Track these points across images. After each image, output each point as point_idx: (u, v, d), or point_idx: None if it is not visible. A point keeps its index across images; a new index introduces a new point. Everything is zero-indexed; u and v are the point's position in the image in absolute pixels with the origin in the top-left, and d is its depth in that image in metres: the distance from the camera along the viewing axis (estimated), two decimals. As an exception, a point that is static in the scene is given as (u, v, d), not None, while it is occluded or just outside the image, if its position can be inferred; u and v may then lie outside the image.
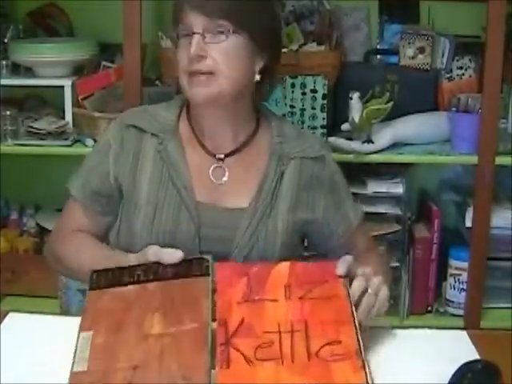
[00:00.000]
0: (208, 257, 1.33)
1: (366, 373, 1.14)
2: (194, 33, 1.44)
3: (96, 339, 1.19)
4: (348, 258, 1.33)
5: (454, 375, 1.18)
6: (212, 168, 1.53)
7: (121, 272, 1.32)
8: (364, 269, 1.33)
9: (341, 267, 1.31)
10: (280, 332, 1.19)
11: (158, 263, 1.33)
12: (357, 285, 1.30)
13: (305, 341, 1.17)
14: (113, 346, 1.17)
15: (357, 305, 1.28)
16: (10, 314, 1.42)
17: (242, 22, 1.46)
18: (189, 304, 1.23)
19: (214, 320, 1.21)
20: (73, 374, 1.14)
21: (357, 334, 1.19)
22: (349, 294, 1.26)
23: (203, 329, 1.18)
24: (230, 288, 1.26)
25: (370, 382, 1.14)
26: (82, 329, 1.22)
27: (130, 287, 1.28)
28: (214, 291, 1.26)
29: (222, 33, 1.44)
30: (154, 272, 1.31)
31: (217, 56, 1.44)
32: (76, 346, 1.18)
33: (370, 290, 1.31)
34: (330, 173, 1.60)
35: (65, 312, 2.21)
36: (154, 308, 1.23)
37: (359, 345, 1.18)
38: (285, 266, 1.31)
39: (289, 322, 1.20)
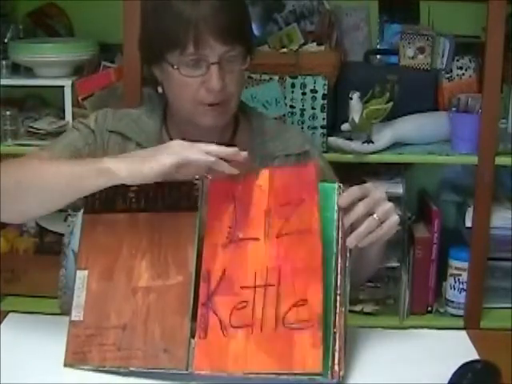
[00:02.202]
0: (198, 182, 1.31)
1: (324, 346, 1.15)
2: (211, 63, 1.39)
3: (90, 283, 1.29)
4: (355, 191, 1.26)
5: (453, 375, 1.18)
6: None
7: (114, 192, 1.30)
8: (376, 192, 1.28)
9: (344, 199, 1.25)
10: (255, 287, 1.21)
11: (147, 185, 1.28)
12: (358, 209, 1.25)
13: (275, 299, 1.19)
14: (105, 296, 1.27)
15: (354, 228, 1.25)
16: (10, 314, 1.42)
17: (250, 44, 1.45)
18: (175, 249, 1.27)
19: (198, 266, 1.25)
20: (71, 323, 1.27)
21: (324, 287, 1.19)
22: (319, 223, 1.22)
23: (186, 284, 1.24)
24: (217, 222, 1.27)
25: (331, 357, 1.15)
26: (78, 265, 1.31)
27: (122, 216, 1.31)
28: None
29: (235, 60, 1.41)
30: (144, 196, 1.31)
31: (232, 84, 1.42)
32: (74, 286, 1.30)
33: (375, 216, 1.26)
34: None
35: (65, 312, 2.21)
36: (142, 250, 1.28)
37: (327, 302, 1.18)
38: (264, 177, 1.28)
39: (265, 269, 1.21)
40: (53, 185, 1.31)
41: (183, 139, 1.30)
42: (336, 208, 1.25)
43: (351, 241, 1.25)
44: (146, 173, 1.23)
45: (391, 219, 1.28)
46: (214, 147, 1.26)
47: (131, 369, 1.20)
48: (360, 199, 1.27)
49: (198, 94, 1.42)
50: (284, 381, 1.16)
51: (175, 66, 1.41)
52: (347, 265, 1.24)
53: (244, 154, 1.27)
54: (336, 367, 1.16)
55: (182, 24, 1.38)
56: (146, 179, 1.24)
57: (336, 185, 1.27)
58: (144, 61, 1.50)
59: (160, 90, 1.50)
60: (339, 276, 1.21)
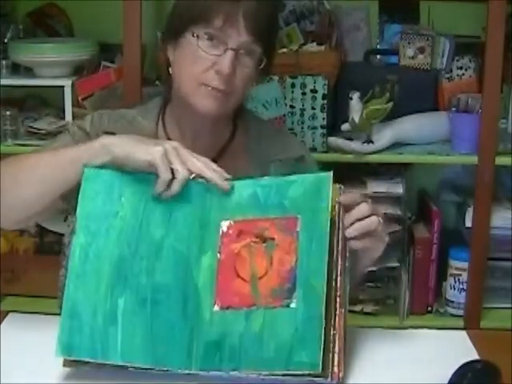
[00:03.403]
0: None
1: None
2: (230, 48, 1.38)
3: None
4: (357, 195, 1.29)
5: (453, 375, 1.18)
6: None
7: None
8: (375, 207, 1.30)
9: (345, 197, 1.26)
10: None
11: None
12: (361, 208, 1.26)
13: None
14: None
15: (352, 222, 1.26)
16: (10, 314, 1.42)
17: (271, 50, 1.45)
18: None
19: None
20: None
21: None
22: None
23: None
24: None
25: (331, 358, 1.15)
26: None
27: None
28: None
29: (252, 56, 1.41)
30: None
31: (240, 78, 1.41)
32: None
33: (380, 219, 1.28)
34: None
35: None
36: None
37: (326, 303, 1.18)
38: None
39: None
40: (51, 170, 1.32)
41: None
42: (336, 207, 1.25)
43: (351, 231, 1.25)
44: (137, 157, 1.25)
45: (384, 236, 1.31)
46: (199, 165, 1.26)
47: (130, 369, 1.20)
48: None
49: (205, 75, 1.41)
50: (284, 380, 1.15)
51: (195, 34, 1.40)
52: (347, 266, 1.23)
53: (226, 184, 1.26)
54: (336, 368, 1.15)
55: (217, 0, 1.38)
56: (136, 163, 1.25)
57: (330, 173, 1.25)
58: (163, 39, 1.49)
59: (171, 71, 1.48)
60: (339, 277, 1.21)
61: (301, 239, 1.21)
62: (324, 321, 1.15)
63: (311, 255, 1.20)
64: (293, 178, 1.28)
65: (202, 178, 1.27)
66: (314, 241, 1.20)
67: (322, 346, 1.13)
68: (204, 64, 1.40)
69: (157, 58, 2.31)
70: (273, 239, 1.23)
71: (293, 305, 1.17)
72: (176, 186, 1.24)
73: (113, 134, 1.47)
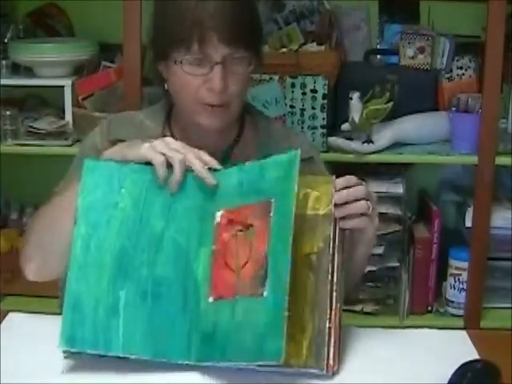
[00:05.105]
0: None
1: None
2: (216, 63, 1.38)
3: None
4: (352, 179, 1.30)
5: (453, 375, 1.18)
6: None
7: None
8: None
9: (341, 181, 1.28)
10: None
11: None
12: (356, 189, 1.29)
13: None
14: None
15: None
16: (10, 314, 1.42)
17: (258, 49, 1.45)
18: None
19: None
20: None
21: None
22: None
23: None
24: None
25: (327, 351, 1.17)
26: None
27: None
28: None
29: (240, 63, 1.41)
30: None
31: (235, 86, 1.42)
32: None
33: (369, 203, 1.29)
34: (320, 175, 1.55)
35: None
36: None
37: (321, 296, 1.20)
38: None
39: None
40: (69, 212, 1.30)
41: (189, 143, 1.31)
42: (332, 202, 1.25)
43: (338, 212, 1.25)
44: (129, 159, 1.29)
45: (375, 218, 1.33)
46: (189, 156, 1.27)
47: (132, 357, 1.20)
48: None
49: (198, 94, 1.41)
50: (277, 370, 1.16)
51: (178, 62, 1.40)
52: (343, 260, 1.23)
53: (211, 178, 1.26)
54: (331, 361, 1.17)
55: (188, 22, 1.37)
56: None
57: (298, 151, 1.22)
58: (152, 58, 1.50)
59: (166, 86, 1.49)
60: (335, 272, 1.21)
61: (272, 224, 1.19)
62: (286, 310, 1.11)
63: (279, 241, 1.17)
64: (269, 160, 1.26)
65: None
66: (281, 225, 1.17)
67: (286, 337, 1.10)
68: (194, 84, 1.41)
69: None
70: (252, 226, 1.21)
71: (265, 293, 1.15)
72: (178, 173, 1.25)
73: (122, 141, 1.48)
